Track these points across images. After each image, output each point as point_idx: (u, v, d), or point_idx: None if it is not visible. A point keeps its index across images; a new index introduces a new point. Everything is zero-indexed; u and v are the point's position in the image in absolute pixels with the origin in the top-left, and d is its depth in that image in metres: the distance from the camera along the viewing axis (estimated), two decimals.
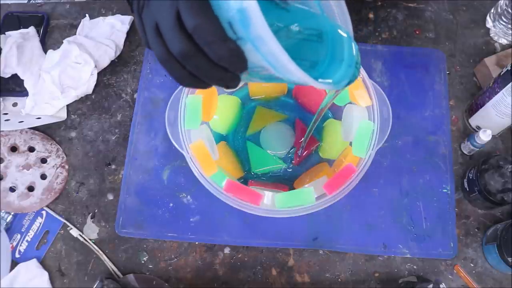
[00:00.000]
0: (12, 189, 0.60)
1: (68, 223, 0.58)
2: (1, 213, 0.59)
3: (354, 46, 0.38)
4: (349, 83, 0.38)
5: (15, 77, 0.64)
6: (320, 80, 0.35)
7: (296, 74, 0.30)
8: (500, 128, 0.59)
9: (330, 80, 0.36)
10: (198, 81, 0.31)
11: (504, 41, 0.67)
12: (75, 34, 0.67)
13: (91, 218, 0.59)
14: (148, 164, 0.61)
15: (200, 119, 0.52)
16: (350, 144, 0.53)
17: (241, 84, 0.39)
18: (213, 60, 0.29)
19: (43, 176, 0.61)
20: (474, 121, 0.61)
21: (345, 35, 0.38)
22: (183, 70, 0.31)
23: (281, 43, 0.28)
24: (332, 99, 0.45)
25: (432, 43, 0.68)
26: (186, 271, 0.57)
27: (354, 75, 0.38)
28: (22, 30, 0.66)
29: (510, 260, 0.51)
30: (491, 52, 0.66)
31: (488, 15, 0.67)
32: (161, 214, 0.58)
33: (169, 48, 0.30)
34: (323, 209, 0.48)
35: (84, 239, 0.58)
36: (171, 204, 0.59)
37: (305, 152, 0.59)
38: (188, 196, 0.59)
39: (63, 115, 0.64)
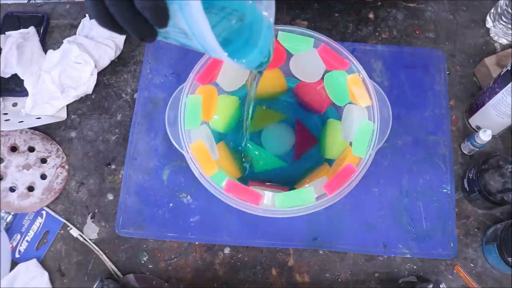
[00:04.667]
0: (12, 189, 0.60)
1: (68, 223, 0.58)
2: (1, 213, 0.59)
3: (271, 37, 0.41)
4: (259, 67, 0.42)
5: (15, 77, 0.64)
6: (231, 56, 0.37)
7: (211, 44, 0.31)
8: (500, 128, 0.59)
9: (243, 60, 0.39)
10: (114, 25, 0.31)
11: (504, 41, 0.67)
12: (75, 34, 0.67)
13: (91, 218, 0.59)
14: (148, 164, 0.61)
15: (200, 119, 0.52)
16: (350, 144, 0.52)
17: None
18: (136, 7, 0.29)
19: (43, 176, 0.61)
20: (474, 121, 0.61)
21: (266, 24, 0.41)
22: (104, 9, 0.30)
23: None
24: (254, 82, 0.48)
25: (432, 43, 0.68)
26: (186, 271, 0.57)
27: (264, 61, 0.41)
28: (22, 30, 0.66)
29: (510, 260, 0.51)
30: (491, 52, 0.66)
31: (488, 15, 0.67)
32: (161, 214, 0.58)
33: None
34: (323, 209, 0.48)
35: (84, 239, 0.58)
36: (171, 204, 0.59)
37: (303, 150, 0.59)
38: (188, 196, 0.59)
39: (63, 115, 0.64)
